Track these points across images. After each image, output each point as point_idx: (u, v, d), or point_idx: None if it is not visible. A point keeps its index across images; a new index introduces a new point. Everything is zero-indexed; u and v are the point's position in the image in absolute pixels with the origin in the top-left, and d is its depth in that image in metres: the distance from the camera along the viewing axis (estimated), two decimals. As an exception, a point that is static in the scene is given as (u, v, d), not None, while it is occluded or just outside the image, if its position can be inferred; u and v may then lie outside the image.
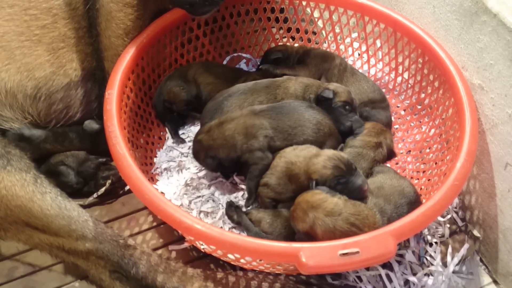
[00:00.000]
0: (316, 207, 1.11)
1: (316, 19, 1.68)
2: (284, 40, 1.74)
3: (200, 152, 1.35)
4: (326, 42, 1.70)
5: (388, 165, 1.44)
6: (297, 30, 1.70)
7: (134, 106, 1.42)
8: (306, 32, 1.70)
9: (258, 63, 1.68)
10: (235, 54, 1.75)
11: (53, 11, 1.33)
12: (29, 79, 1.30)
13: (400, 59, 1.55)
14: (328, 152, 1.24)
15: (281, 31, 1.73)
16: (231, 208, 1.32)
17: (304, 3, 1.62)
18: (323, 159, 1.22)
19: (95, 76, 1.43)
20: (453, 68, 1.34)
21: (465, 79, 1.32)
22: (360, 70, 1.65)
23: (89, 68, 1.41)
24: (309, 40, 1.71)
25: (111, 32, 1.37)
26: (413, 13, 1.51)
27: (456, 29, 1.35)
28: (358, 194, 1.19)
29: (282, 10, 1.66)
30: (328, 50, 1.67)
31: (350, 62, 1.67)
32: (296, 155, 1.27)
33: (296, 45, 1.68)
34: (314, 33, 1.71)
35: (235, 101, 1.41)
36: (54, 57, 1.34)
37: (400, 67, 1.56)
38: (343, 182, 1.19)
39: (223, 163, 1.34)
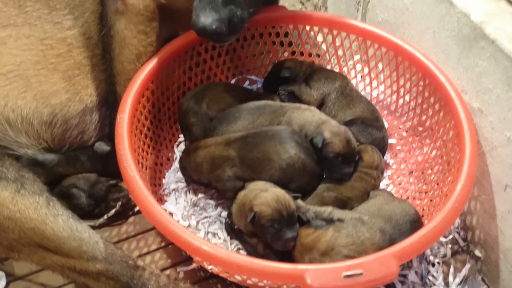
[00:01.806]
0: (310, 249, 1.13)
1: (319, 43, 1.72)
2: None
3: (181, 168, 1.43)
4: (330, 64, 1.75)
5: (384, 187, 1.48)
6: (301, 53, 1.75)
7: (144, 129, 1.46)
8: (310, 55, 1.75)
9: (264, 79, 1.71)
10: (241, 76, 1.80)
11: (68, 41, 1.38)
12: (45, 106, 1.35)
13: (401, 82, 1.59)
14: (279, 193, 1.22)
15: (286, 54, 1.78)
16: (228, 228, 1.35)
17: (308, 27, 1.67)
18: (271, 196, 1.20)
19: (108, 100, 1.48)
20: (453, 91, 1.38)
21: (465, 103, 1.36)
22: (363, 92, 1.70)
23: (103, 94, 1.46)
24: (312, 63, 1.76)
25: (124, 58, 1.42)
26: (413, 37, 1.55)
27: (455, 53, 1.40)
28: (281, 246, 1.17)
29: (286, 34, 1.71)
30: (332, 70, 1.70)
31: (353, 83, 1.70)
32: (252, 188, 1.26)
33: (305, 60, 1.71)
34: (318, 55, 1.75)
35: (242, 120, 1.44)
36: (69, 84, 1.39)
37: (402, 90, 1.60)
38: (277, 228, 1.17)
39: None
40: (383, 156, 1.52)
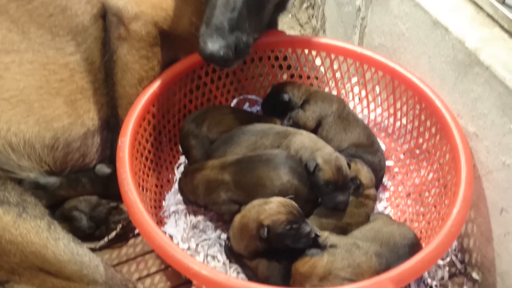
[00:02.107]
0: (308, 276, 1.14)
1: (318, 66, 1.75)
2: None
3: (179, 189, 1.46)
4: (328, 87, 1.78)
5: (382, 209, 1.49)
6: (300, 76, 1.78)
7: (145, 151, 1.48)
8: (309, 77, 1.78)
9: (262, 100, 1.74)
10: (241, 97, 1.82)
11: (71, 66, 1.41)
12: (47, 130, 1.37)
13: (398, 105, 1.62)
14: (279, 199, 1.23)
15: (285, 76, 1.81)
16: (228, 251, 1.36)
17: (306, 51, 1.70)
18: (276, 205, 1.21)
19: (109, 123, 1.50)
20: (448, 116, 1.40)
21: (461, 127, 1.39)
22: (360, 115, 1.72)
23: (105, 117, 1.49)
24: (311, 85, 1.78)
25: (126, 82, 1.45)
26: (409, 62, 1.58)
27: (451, 79, 1.42)
28: (306, 241, 1.19)
29: (285, 58, 1.74)
30: (330, 93, 1.73)
31: (350, 106, 1.73)
32: (249, 208, 1.27)
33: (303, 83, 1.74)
34: (316, 78, 1.78)
35: (246, 140, 1.45)
36: (72, 109, 1.41)
37: (399, 113, 1.63)
38: (296, 228, 1.18)
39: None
40: (381, 180, 1.54)
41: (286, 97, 1.62)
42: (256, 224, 1.22)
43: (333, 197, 1.30)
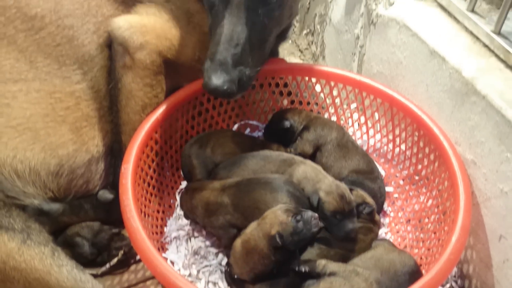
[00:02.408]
0: None
1: (317, 93, 1.79)
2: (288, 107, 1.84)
3: (180, 204, 1.50)
4: (328, 113, 1.81)
5: (383, 235, 1.51)
6: (300, 102, 1.81)
7: (147, 177, 1.50)
8: (309, 104, 1.81)
9: (264, 128, 1.77)
10: (242, 122, 1.85)
11: (76, 94, 1.44)
12: (52, 157, 1.40)
13: (397, 132, 1.64)
14: (271, 210, 1.26)
15: (285, 102, 1.84)
16: (228, 277, 1.37)
17: (306, 78, 1.74)
18: (273, 214, 1.24)
19: (113, 149, 1.52)
20: (446, 143, 1.42)
21: (459, 155, 1.41)
22: (360, 140, 1.75)
23: (109, 143, 1.51)
24: (311, 111, 1.81)
25: (130, 109, 1.48)
26: (407, 90, 1.62)
27: (448, 107, 1.45)
28: (316, 223, 1.23)
29: (285, 85, 1.78)
30: (329, 119, 1.75)
31: (350, 132, 1.76)
32: (249, 232, 1.28)
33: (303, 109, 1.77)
34: (316, 104, 1.81)
35: (253, 163, 1.48)
36: (77, 136, 1.44)
37: (398, 139, 1.65)
38: (300, 218, 1.21)
39: None
40: (382, 206, 1.56)
41: (287, 124, 1.65)
42: (265, 240, 1.22)
43: (343, 226, 1.30)
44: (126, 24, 1.43)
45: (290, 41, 2.50)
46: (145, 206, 1.44)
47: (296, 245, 1.24)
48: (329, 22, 2.13)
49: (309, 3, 2.34)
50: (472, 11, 1.49)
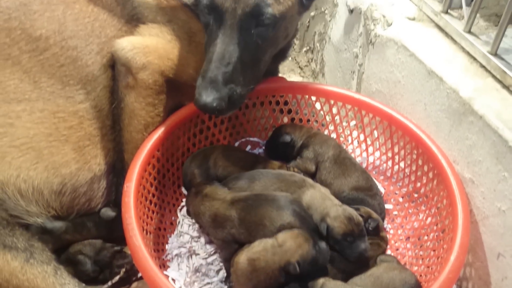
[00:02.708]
0: None
1: (317, 111, 1.81)
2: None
3: (186, 204, 1.52)
4: (327, 130, 1.83)
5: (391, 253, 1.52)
6: (300, 120, 1.83)
7: (149, 195, 1.51)
8: (309, 121, 1.83)
9: (265, 143, 1.79)
10: (243, 139, 1.87)
11: (80, 113, 1.47)
12: (55, 176, 1.41)
13: (396, 150, 1.66)
14: (288, 234, 1.28)
15: (286, 119, 1.86)
16: None
17: (306, 97, 1.76)
18: (296, 241, 1.26)
19: (115, 167, 1.54)
20: (445, 162, 1.44)
21: (457, 173, 1.43)
22: (359, 158, 1.77)
23: (111, 162, 1.53)
24: (310, 128, 1.83)
25: (133, 128, 1.50)
26: (406, 108, 1.64)
27: (446, 126, 1.47)
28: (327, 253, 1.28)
29: (286, 103, 1.80)
30: (328, 136, 1.76)
31: (350, 149, 1.78)
32: (259, 251, 1.29)
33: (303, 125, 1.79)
34: (316, 121, 1.84)
35: (267, 179, 1.50)
36: (79, 155, 1.46)
37: (397, 157, 1.67)
38: (318, 248, 1.26)
39: None
40: (382, 223, 1.57)
41: (287, 138, 1.68)
42: (280, 265, 1.24)
43: (355, 248, 1.32)
44: (129, 45, 1.45)
45: (290, 58, 2.53)
46: (146, 224, 1.45)
47: (308, 273, 1.26)
48: (329, 40, 2.17)
49: (309, 22, 2.37)
50: (469, 32, 1.52)
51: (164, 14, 1.58)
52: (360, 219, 1.36)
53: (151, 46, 1.48)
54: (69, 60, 1.47)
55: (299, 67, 2.50)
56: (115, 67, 1.49)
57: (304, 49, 2.47)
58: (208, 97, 1.32)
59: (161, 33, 1.54)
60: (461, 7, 1.60)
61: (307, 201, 1.42)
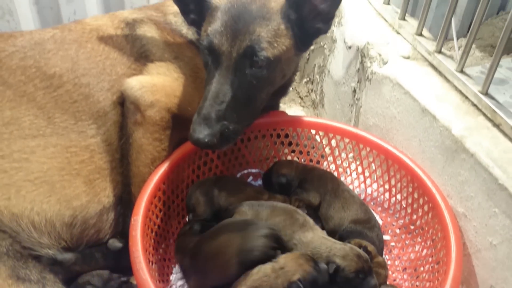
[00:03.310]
0: None
1: (317, 143, 1.88)
2: (288, 156, 1.93)
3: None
4: (327, 162, 1.89)
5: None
6: (300, 152, 1.90)
7: (155, 227, 1.57)
8: (308, 153, 1.90)
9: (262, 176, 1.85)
10: (246, 171, 1.94)
11: (91, 148, 1.53)
12: (67, 209, 1.47)
13: (392, 182, 1.73)
14: (288, 257, 1.33)
15: (286, 151, 1.93)
16: None
17: (306, 130, 1.84)
18: (297, 261, 1.31)
19: (122, 200, 1.60)
20: (439, 197, 1.51)
21: (450, 207, 1.49)
22: (358, 189, 1.83)
23: (119, 194, 1.59)
24: (311, 161, 1.90)
25: (140, 162, 1.57)
26: (402, 143, 1.71)
27: (440, 162, 1.54)
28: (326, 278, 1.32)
29: (286, 136, 1.88)
30: (325, 170, 1.83)
31: (348, 180, 1.85)
32: (256, 278, 1.32)
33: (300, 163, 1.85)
34: (316, 153, 1.90)
35: (272, 209, 1.55)
36: (90, 188, 1.52)
37: (394, 189, 1.73)
38: (317, 268, 1.32)
39: None
40: (381, 253, 1.62)
41: (283, 180, 1.74)
42: (284, 285, 1.28)
43: (367, 284, 1.36)
44: (138, 84, 1.53)
45: (290, 88, 2.61)
46: (152, 255, 1.51)
47: None
48: (328, 73, 2.25)
49: (309, 54, 2.46)
50: (461, 71, 1.59)
51: (171, 51, 1.67)
52: (367, 256, 1.41)
53: (158, 85, 1.56)
54: (81, 96, 1.54)
55: (300, 97, 2.58)
56: (124, 104, 1.57)
57: (304, 80, 2.56)
58: (200, 133, 1.40)
59: (168, 71, 1.62)
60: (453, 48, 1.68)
61: (307, 241, 1.45)
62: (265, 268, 1.34)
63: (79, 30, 1.64)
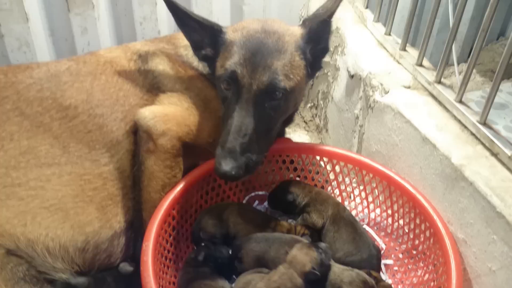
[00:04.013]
0: None
1: (321, 169, 1.94)
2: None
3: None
4: (331, 187, 1.95)
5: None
6: (305, 177, 1.96)
7: (165, 252, 1.62)
8: (313, 179, 1.96)
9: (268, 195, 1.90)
10: (252, 194, 1.99)
11: (104, 175, 1.60)
12: (80, 234, 1.53)
13: (395, 208, 1.78)
14: (295, 247, 1.47)
15: (292, 176, 1.99)
16: None
17: (310, 156, 1.90)
18: (302, 251, 1.46)
19: (133, 225, 1.66)
20: (440, 223, 1.55)
21: (451, 234, 1.53)
22: (361, 214, 1.88)
23: (130, 219, 1.65)
24: (315, 185, 1.96)
25: (151, 188, 1.63)
26: (403, 170, 1.76)
27: (440, 189, 1.59)
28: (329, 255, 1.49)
29: (292, 161, 1.94)
30: (329, 195, 1.86)
31: (352, 205, 1.90)
32: (273, 280, 1.43)
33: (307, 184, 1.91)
34: (320, 179, 1.96)
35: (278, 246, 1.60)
36: (102, 214, 1.58)
37: (396, 215, 1.78)
38: (321, 251, 1.47)
39: None
40: (378, 265, 1.68)
41: (290, 197, 1.80)
42: (301, 277, 1.42)
43: None
44: (150, 114, 1.60)
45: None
46: (162, 279, 1.56)
47: (325, 273, 1.46)
48: (331, 99, 2.32)
49: (313, 81, 2.54)
50: (460, 101, 1.65)
51: (182, 82, 1.74)
52: (373, 281, 1.47)
53: (170, 114, 1.63)
54: (96, 126, 1.61)
55: (304, 121, 2.64)
56: (137, 133, 1.63)
57: (309, 105, 2.63)
58: (227, 166, 1.45)
59: (179, 101, 1.69)
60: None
61: None
62: (279, 269, 1.47)
63: (94, 62, 1.72)
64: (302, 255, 1.45)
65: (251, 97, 1.51)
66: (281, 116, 1.62)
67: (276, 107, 1.55)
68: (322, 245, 1.50)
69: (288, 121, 1.86)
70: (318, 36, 1.61)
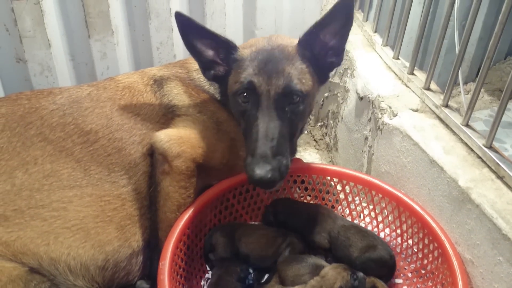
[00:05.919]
0: None
1: (332, 189, 1.99)
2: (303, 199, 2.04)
3: None
4: (341, 207, 2.00)
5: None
6: (316, 197, 2.01)
7: (180, 270, 1.68)
8: (324, 199, 2.01)
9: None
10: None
11: (122, 196, 1.67)
12: (100, 253, 1.60)
13: (404, 228, 1.82)
14: (331, 266, 1.57)
15: (302, 196, 2.04)
16: None
17: (321, 177, 1.95)
18: (336, 270, 1.54)
19: (150, 243, 1.72)
20: (447, 243, 1.59)
21: (458, 254, 1.57)
22: (371, 233, 1.92)
23: (147, 238, 1.71)
24: (325, 205, 2.01)
25: (167, 208, 1.69)
26: (412, 191, 1.81)
27: (448, 210, 1.63)
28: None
29: (302, 182, 1.99)
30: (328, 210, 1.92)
31: (362, 225, 1.94)
32: None
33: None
34: (330, 199, 2.01)
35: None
36: (121, 233, 1.64)
37: (405, 235, 1.82)
38: (355, 278, 1.53)
39: None
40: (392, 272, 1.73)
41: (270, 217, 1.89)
42: None
43: None
44: (166, 137, 1.67)
45: (306, 132, 2.75)
46: (178, 297, 1.62)
47: None
48: (341, 119, 2.37)
49: (323, 100, 2.60)
50: (467, 125, 1.70)
51: (195, 106, 1.82)
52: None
53: (184, 137, 1.70)
54: (115, 150, 1.69)
55: (314, 140, 2.70)
56: (154, 155, 1.70)
57: (319, 124, 2.68)
58: (261, 170, 1.47)
59: (193, 124, 1.76)
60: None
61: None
62: (309, 283, 1.55)
63: (113, 87, 1.80)
64: (335, 273, 1.53)
65: (271, 103, 1.58)
66: (300, 121, 1.69)
67: (295, 110, 1.62)
68: (360, 274, 1.54)
69: (300, 132, 1.91)
70: (310, 44, 1.66)
